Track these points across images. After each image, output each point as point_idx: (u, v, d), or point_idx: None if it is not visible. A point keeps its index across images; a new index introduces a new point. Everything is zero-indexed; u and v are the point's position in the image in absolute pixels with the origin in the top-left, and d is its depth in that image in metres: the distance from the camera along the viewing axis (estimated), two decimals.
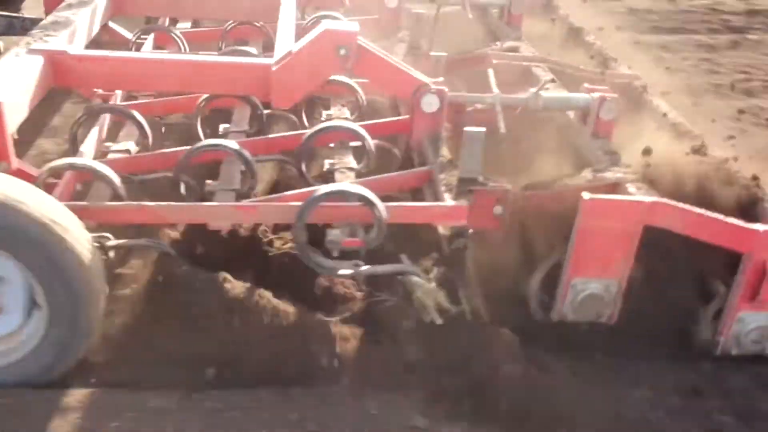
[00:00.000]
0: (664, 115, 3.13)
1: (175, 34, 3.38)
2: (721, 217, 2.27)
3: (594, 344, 2.46)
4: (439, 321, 2.24)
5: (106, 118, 2.99)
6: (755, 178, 2.56)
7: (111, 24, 3.53)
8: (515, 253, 2.48)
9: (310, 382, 2.13)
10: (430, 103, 2.63)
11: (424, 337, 2.24)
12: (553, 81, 3.15)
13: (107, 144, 2.81)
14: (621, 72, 3.45)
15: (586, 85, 2.81)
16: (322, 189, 2.21)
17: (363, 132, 2.59)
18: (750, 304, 2.33)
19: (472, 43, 3.77)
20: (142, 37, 3.49)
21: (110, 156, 2.66)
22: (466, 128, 2.38)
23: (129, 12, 3.51)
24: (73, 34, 2.87)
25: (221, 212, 2.29)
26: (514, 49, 3.55)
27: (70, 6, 3.12)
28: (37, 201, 1.96)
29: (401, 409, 2.07)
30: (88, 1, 3.21)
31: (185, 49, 3.32)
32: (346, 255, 2.29)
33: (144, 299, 2.32)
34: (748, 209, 2.47)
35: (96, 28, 3.18)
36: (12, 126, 2.28)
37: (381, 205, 2.21)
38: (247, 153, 2.44)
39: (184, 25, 3.94)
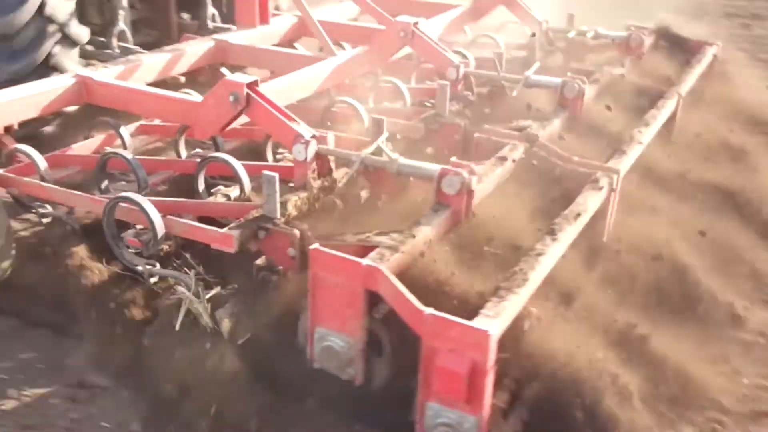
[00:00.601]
0: None
1: None
2: (409, 297, 2.19)
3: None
4: (177, 327, 2.59)
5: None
6: None
7: (223, 69, 4.39)
8: None
9: None
10: (299, 152, 2.93)
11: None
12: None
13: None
14: (595, 163, 3.18)
15: (453, 158, 2.79)
16: (123, 194, 2.75)
17: (238, 166, 3.01)
18: (432, 394, 2.18)
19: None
20: None
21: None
22: (264, 171, 2.68)
23: (230, 62, 4.36)
24: (133, 70, 3.82)
25: (81, 201, 2.97)
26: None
27: (169, 50, 4.12)
28: None
29: None
30: (197, 46, 4.21)
31: None
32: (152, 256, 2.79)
33: None
34: None
35: (179, 69, 4.10)
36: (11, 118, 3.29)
37: (158, 218, 2.66)
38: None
39: None
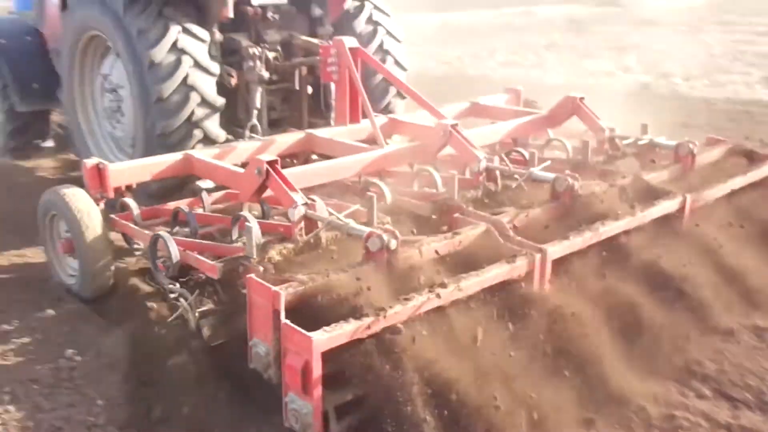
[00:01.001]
0: None
1: None
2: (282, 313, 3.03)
3: None
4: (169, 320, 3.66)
5: None
6: None
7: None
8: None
9: None
10: (291, 214, 3.89)
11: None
12: None
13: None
14: (528, 242, 3.77)
15: (386, 224, 3.58)
16: (158, 233, 3.92)
17: (251, 223, 4.03)
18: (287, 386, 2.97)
19: None
20: None
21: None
22: (246, 223, 3.70)
23: (315, 151, 5.49)
24: (229, 152, 5.09)
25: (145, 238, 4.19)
26: None
27: (265, 139, 5.37)
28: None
29: None
30: (290, 136, 5.43)
31: None
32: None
33: None
34: None
35: (270, 154, 5.29)
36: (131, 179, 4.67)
37: (175, 250, 3.78)
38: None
39: None
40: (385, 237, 3.45)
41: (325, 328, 2.95)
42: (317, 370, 2.87)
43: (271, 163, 4.09)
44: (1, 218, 6.05)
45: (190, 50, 5.38)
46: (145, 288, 4.31)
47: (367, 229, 3.55)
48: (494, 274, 3.52)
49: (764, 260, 4.63)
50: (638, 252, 4.18)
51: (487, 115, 6.34)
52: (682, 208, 4.52)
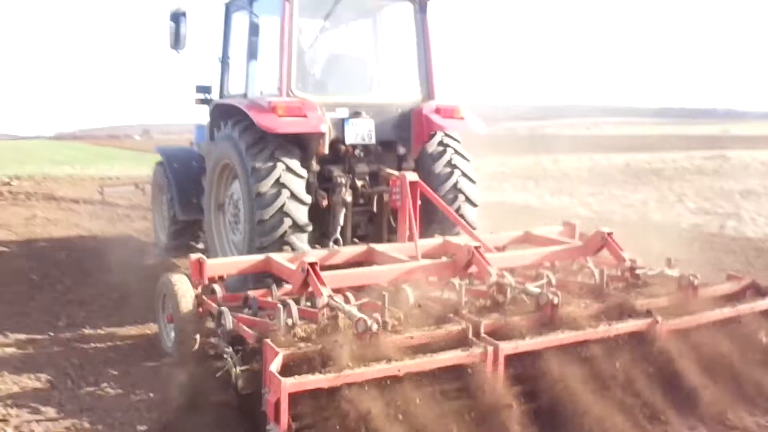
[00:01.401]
0: None
1: None
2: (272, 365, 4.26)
3: None
4: (218, 374, 4.98)
5: None
6: None
7: None
8: None
9: None
10: (317, 303, 5.19)
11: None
12: None
13: None
14: (489, 338, 4.75)
15: (375, 315, 4.74)
16: (221, 307, 5.35)
17: (291, 306, 5.35)
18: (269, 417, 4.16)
19: None
20: None
21: None
22: (278, 305, 5.02)
23: (372, 261, 6.77)
24: (300, 257, 6.50)
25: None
26: None
27: (333, 250, 6.76)
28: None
29: None
30: (353, 248, 6.78)
31: None
32: None
33: None
34: None
35: (332, 262, 6.65)
36: (221, 273, 6.20)
37: (229, 320, 5.16)
38: None
39: None
40: (369, 321, 4.63)
41: (295, 376, 4.16)
42: (284, 404, 4.07)
43: (312, 264, 5.44)
44: (148, 301, 7.79)
45: (290, 185, 6.97)
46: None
47: (358, 315, 4.75)
48: (449, 357, 4.57)
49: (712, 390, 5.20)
50: (596, 361, 5.00)
51: (536, 243, 7.35)
52: (652, 329, 5.27)
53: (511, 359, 4.80)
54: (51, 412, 5.32)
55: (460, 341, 4.83)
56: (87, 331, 7.22)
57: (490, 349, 4.70)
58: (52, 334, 7.09)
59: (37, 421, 5.16)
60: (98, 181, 22.20)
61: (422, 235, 7.15)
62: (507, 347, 4.76)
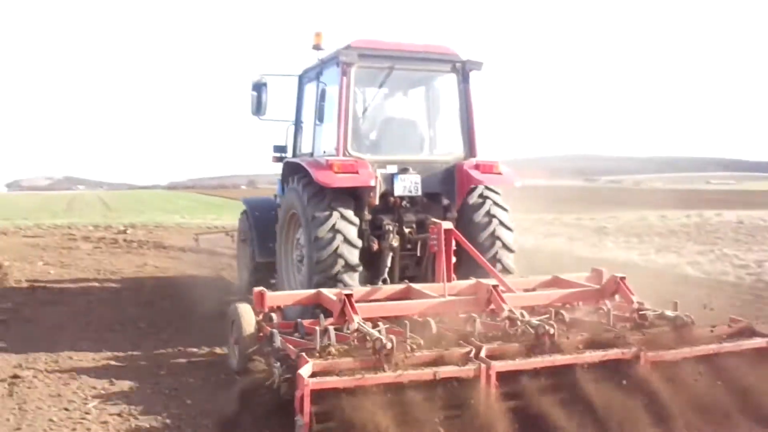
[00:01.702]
0: None
1: None
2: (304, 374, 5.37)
3: None
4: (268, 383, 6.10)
5: None
6: None
7: None
8: None
9: None
10: (347, 328, 6.29)
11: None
12: None
13: None
14: (488, 360, 5.69)
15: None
16: (271, 331, 6.51)
17: (329, 329, 6.45)
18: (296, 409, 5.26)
19: None
20: None
21: None
22: (316, 327, 6.14)
23: (410, 297, 7.81)
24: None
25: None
26: None
27: (376, 287, 7.86)
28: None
29: None
30: (393, 287, 7.85)
31: None
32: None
33: None
34: None
35: (375, 297, 7.72)
36: (279, 303, 7.39)
37: (278, 341, 6.31)
38: None
39: None
40: (384, 340, 5.68)
41: (317, 377, 5.25)
42: (307, 399, 5.15)
43: (348, 296, 6.56)
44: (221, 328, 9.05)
45: (344, 231, 8.18)
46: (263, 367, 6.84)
47: (376, 335, 5.81)
48: (447, 370, 5.55)
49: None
50: (577, 384, 5.83)
51: (560, 286, 8.20)
52: (636, 359, 6.04)
53: (504, 378, 5.70)
54: None
55: (463, 361, 5.79)
56: (187, 379, 7.61)
57: (484, 366, 5.63)
58: (154, 382, 7.50)
59: None
60: (203, 229, 23.28)
61: (465, 277, 8.17)
62: (498, 365, 5.69)
